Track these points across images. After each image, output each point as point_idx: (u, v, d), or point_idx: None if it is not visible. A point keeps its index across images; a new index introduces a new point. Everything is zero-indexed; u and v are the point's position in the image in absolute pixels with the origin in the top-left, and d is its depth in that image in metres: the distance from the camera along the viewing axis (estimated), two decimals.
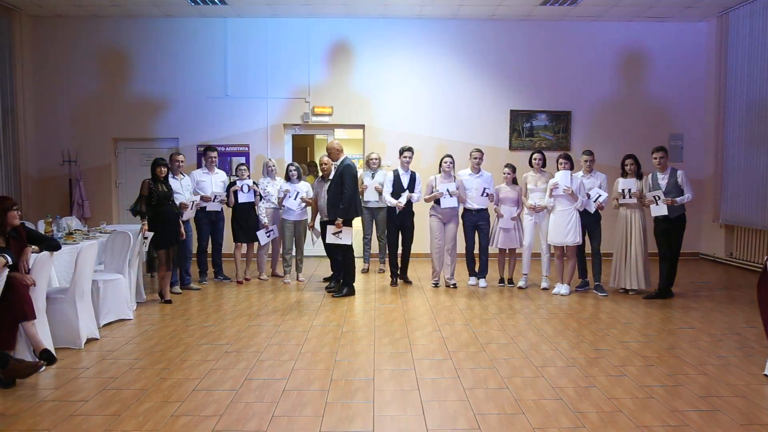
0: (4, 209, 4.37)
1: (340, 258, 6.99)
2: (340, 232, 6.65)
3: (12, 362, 3.95)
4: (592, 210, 6.81)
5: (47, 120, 9.61)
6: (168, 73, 9.63)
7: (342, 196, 6.59)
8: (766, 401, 3.78)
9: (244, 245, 7.69)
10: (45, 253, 4.58)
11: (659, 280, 6.78)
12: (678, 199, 6.48)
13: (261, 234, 7.47)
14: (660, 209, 6.54)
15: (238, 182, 7.46)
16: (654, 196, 6.54)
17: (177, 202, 6.72)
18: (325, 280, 7.65)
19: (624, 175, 6.87)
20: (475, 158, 7.19)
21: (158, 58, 9.61)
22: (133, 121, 9.65)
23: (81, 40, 9.56)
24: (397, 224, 7.34)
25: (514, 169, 7.29)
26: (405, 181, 7.30)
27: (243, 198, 7.41)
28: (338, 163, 6.76)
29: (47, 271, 4.65)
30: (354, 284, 6.95)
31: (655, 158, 6.66)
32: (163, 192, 6.40)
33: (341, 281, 6.98)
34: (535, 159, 7.14)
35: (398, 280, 7.44)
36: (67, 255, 5.43)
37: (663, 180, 6.62)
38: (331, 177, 7.14)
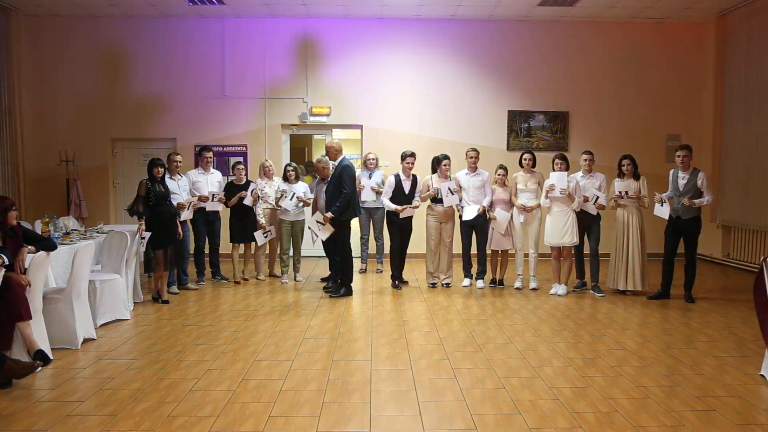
0: (4, 209, 4.37)
1: (338, 258, 7.00)
2: (323, 225, 6.67)
3: (8, 362, 3.95)
4: (594, 212, 6.82)
5: (45, 120, 9.60)
6: (166, 73, 9.62)
7: (341, 195, 6.59)
8: (762, 401, 3.79)
9: (242, 245, 7.69)
10: (42, 253, 4.58)
11: (662, 280, 6.76)
12: (697, 201, 6.39)
13: (258, 235, 7.47)
14: (662, 211, 6.52)
15: (252, 184, 7.47)
16: (661, 198, 6.53)
17: (174, 203, 6.72)
18: (323, 280, 7.65)
19: (621, 175, 6.86)
20: (471, 158, 7.19)
21: (156, 58, 9.61)
22: (130, 121, 9.64)
23: (79, 39, 9.55)
24: (399, 229, 7.22)
25: (507, 170, 7.29)
26: (407, 187, 7.19)
27: (248, 201, 7.48)
28: (336, 162, 6.75)
29: (44, 271, 4.65)
30: (351, 285, 6.95)
31: (678, 156, 6.55)
32: (161, 192, 6.39)
33: (338, 281, 6.98)
34: (525, 159, 7.14)
35: (399, 282, 7.39)
36: (64, 255, 5.42)
37: (683, 179, 6.54)
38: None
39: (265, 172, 7.71)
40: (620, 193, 6.75)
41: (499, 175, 7.20)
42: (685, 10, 9.09)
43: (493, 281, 7.39)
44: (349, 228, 6.96)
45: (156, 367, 4.37)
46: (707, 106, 9.78)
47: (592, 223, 6.92)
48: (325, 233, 6.71)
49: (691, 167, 6.57)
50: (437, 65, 9.74)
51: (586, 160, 6.97)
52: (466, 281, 7.40)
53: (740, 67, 8.89)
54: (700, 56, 9.85)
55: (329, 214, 6.60)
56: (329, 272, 7.46)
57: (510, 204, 7.14)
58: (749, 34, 8.68)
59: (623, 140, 9.54)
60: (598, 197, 6.74)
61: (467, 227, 7.25)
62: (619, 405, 3.69)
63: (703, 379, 4.18)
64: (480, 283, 7.31)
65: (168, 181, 6.72)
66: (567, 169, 6.84)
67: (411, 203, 7.14)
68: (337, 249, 6.96)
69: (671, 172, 6.71)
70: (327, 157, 7.07)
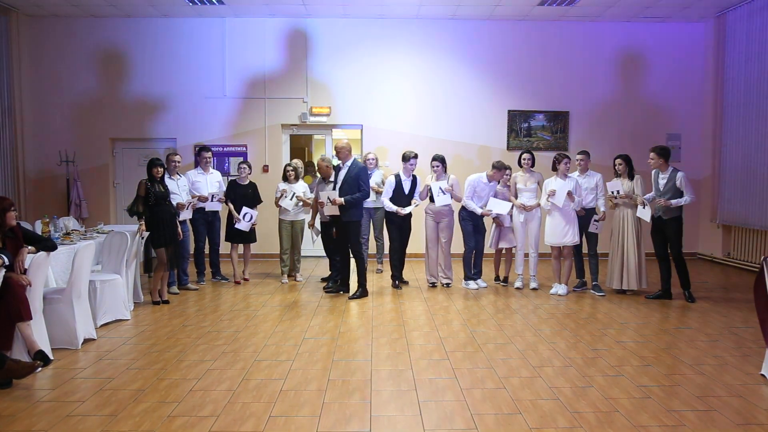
0: (2, 209, 4.37)
1: (339, 258, 7.01)
2: (332, 204, 6.62)
3: (9, 363, 3.95)
4: (598, 229, 6.89)
5: (45, 120, 9.60)
6: (166, 73, 9.62)
7: (359, 191, 6.60)
8: (762, 401, 3.78)
9: (240, 245, 7.70)
10: (42, 253, 4.57)
11: (661, 280, 6.76)
12: (673, 201, 6.40)
13: (241, 225, 7.44)
14: (644, 213, 6.52)
15: (243, 210, 7.42)
16: (643, 200, 6.53)
17: (174, 203, 6.72)
18: (323, 280, 7.64)
19: (616, 175, 6.86)
20: (508, 176, 7.24)
21: (156, 58, 9.61)
22: (130, 122, 9.64)
23: (78, 40, 9.55)
24: (398, 228, 7.21)
25: (511, 169, 7.31)
26: (407, 187, 7.17)
27: (242, 226, 7.44)
28: (349, 163, 6.69)
29: (44, 271, 4.65)
30: (349, 283, 6.95)
31: (650, 160, 6.65)
32: (160, 192, 6.38)
33: (338, 281, 6.98)
34: (524, 159, 7.15)
35: (399, 282, 7.37)
36: (65, 255, 5.42)
37: (663, 180, 6.57)
38: (332, 179, 7.19)
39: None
40: (612, 192, 6.74)
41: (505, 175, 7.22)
42: (684, 9, 9.09)
43: (497, 278, 7.39)
44: (359, 230, 6.92)
45: (156, 368, 4.37)
46: (707, 106, 9.78)
47: (590, 224, 6.91)
48: (330, 210, 6.70)
49: (670, 167, 6.58)
50: (437, 65, 9.73)
51: (579, 160, 6.99)
52: (469, 284, 7.30)
53: (740, 66, 8.89)
54: (699, 56, 9.86)
55: (341, 199, 6.57)
56: (329, 272, 7.46)
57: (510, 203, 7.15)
58: (749, 34, 8.68)
59: (623, 140, 9.54)
60: (597, 227, 6.85)
61: (472, 228, 7.19)
62: (620, 405, 3.68)
63: (703, 378, 4.18)
64: (482, 283, 7.31)
65: (167, 181, 6.72)
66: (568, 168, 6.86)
67: (411, 203, 7.14)
68: (337, 250, 6.99)
69: (653, 172, 6.72)
70: (329, 156, 7.08)
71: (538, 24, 9.70)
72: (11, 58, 9.06)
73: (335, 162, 7.35)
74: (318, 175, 7.59)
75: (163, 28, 9.58)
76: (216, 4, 8.86)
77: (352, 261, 6.99)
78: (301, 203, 7.48)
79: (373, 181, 8.06)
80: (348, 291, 6.92)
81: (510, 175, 7.26)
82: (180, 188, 7.04)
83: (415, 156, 7.23)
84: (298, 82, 9.68)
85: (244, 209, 7.40)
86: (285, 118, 9.74)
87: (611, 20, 9.64)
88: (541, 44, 9.75)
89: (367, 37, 9.68)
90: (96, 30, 9.55)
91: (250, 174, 7.66)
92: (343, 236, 6.80)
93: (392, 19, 9.59)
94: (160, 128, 9.69)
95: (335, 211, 6.67)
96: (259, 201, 7.67)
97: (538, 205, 7.05)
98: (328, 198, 6.68)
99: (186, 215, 7.03)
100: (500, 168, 7.09)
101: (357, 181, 6.63)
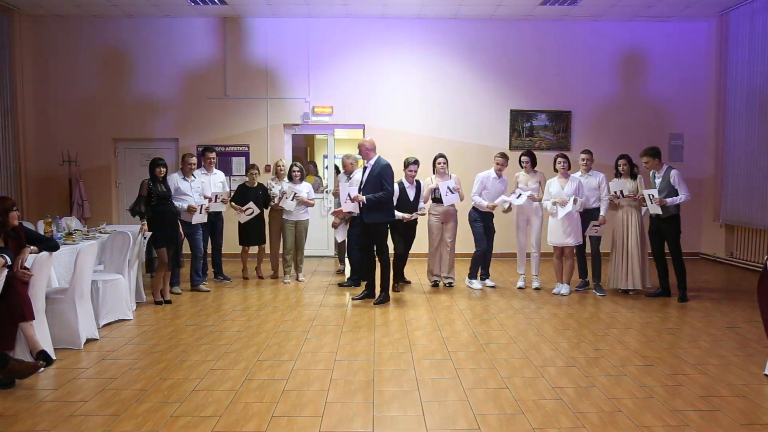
0: (5, 209, 4.38)
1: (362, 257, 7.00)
2: (351, 201, 6.39)
3: (11, 363, 3.95)
4: (599, 233, 6.86)
5: (47, 120, 9.61)
6: (168, 73, 9.63)
7: (383, 190, 6.28)
8: (766, 401, 3.77)
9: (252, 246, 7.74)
10: (44, 253, 4.57)
11: (659, 278, 6.76)
12: (668, 200, 6.40)
13: (241, 217, 7.48)
14: (654, 208, 6.51)
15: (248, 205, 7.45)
16: (649, 195, 6.51)
17: (186, 205, 6.72)
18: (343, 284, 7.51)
19: (618, 175, 6.84)
20: (498, 163, 7.17)
21: (158, 58, 9.61)
22: (132, 122, 9.65)
23: (81, 40, 9.57)
24: (402, 235, 7.02)
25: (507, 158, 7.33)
26: (411, 194, 7.04)
27: (241, 218, 7.49)
28: (372, 162, 6.42)
29: (46, 271, 4.65)
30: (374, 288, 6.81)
31: (645, 164, 6.65)
32: (162, 192, 6.38)
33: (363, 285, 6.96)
34: (523, 162, 7.14)
35: (400, 283, 7.29)
36: (67, 255, 5.43)
37: (657, 179, 6.57)
38: (353, 176, 7.23)
39: (277, 172, 7.68)
40: (615, 193, 6.73)
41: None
42: (686, 8, 9.08)
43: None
44: (387, 233, 6.60)
45: (158, 368, 4.36)
46: (709, 105, 9.75)
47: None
48: (348, 207, 6.53)
49: (664, 166, 6.58)
50: (439, 64, 9.73)
51: (584, 159, 6.98)
52: (473, 283, 7.29)
53: (742, 65, 8.86)
54: (701, 55, 9.84)
55: (363, 197, 6.26)
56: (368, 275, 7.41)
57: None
58: (751, 33, 8.66)
59: (625, 139, 9.50)
60: (597, 227, 6.76)
61: (483, 229, 7.16)
62: (623, 405, 3.67)
63: (706, 378, 4.16)
64: (490, 282, 7.31)
65: (181, 182, 6.79)
66: (569, 168, 6.84)
67: (416, 210, 7.05)
68: (361, 249, 6.96)
69: (651, 173, 6.71)
70: (355, 156, 7.21)
71: (540, 23, 9.69)
72: (14, 58, 9.06)
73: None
74: (342, 170, 7.60)
75: (165, 28, 9.58)
76: (218, 4, 8.86)
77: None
78: (303, 204, 7.48)
79: None
80: (373, 295, 6.63)
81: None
82: (193, 189, 6.98)
83: (416, 162, 7.07)
84: (300, 81, 9.68)
85: (250, 204, 7.41)
86: (287, 117, 9.74)
87: (613, 20, 9.63)
88: (544, 44, 9.74)
89: (369, 37, 9.67)
90: (98, 30, 9.56)
91: (258, 175, 7.69)
92: (366, 238, 6.58)
93: (394, 18, 9.58)
94: (162, 128, 9.69)
95: (354, 209, 6.50)
96: (269, 200, 7.62)
97: (540, 199, 7.04)
98: (348, 195, 6.45)
99: (199, 219, 6.91)
100: (503, 157, 7.15)
101: (380, 180, 6.28)
